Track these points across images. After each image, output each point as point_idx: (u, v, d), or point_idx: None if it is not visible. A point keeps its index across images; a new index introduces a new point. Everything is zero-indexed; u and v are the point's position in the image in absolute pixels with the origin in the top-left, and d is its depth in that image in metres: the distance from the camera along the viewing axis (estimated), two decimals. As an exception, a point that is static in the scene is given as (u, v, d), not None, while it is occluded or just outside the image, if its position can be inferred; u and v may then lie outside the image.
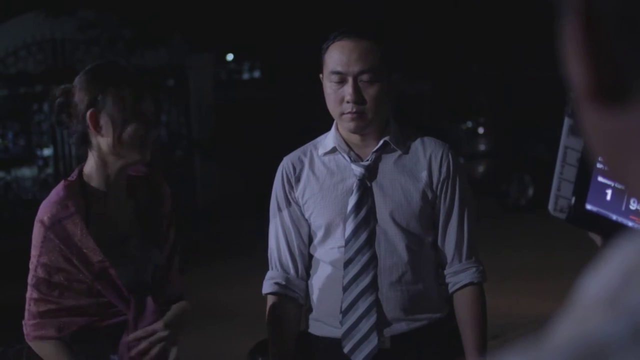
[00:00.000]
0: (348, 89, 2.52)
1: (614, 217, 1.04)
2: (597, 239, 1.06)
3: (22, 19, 12.37)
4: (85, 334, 2.40)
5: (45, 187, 11.84)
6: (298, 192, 2.64)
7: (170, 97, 11.31)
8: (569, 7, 0.49)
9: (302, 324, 2.68)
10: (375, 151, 2.60)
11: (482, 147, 11.62)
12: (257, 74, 19.51)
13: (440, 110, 12.41)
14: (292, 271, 2.66)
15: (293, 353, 2.66)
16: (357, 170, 2.59)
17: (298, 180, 2.64)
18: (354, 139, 2.62)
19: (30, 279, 2.42)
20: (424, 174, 2.60)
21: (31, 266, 2.42)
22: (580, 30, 0.48)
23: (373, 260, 2.56)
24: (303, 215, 2.64)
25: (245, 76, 20.11)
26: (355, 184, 2.58)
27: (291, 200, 2.65)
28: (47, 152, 12.46)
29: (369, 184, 2.59)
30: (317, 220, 2.61)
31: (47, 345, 2.41)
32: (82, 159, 2.50)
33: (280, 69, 13.95)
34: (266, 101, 13.20)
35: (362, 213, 2.56)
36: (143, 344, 2.41)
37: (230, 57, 19.39)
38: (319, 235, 2.61)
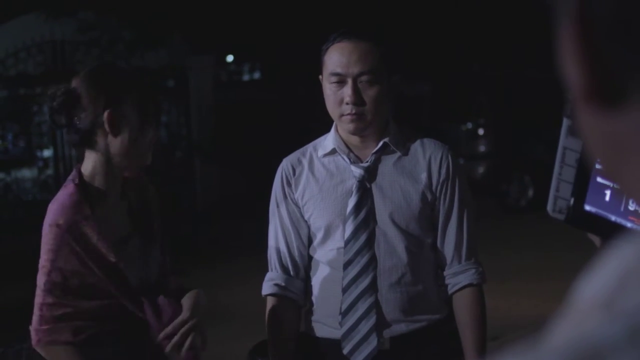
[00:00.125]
0: (347, 91, 2.51)
1: (613, 217, 1.04)
2: (596, 239, 1.06)
3: (22, 20, 12.36)
4: (96, 339, 2.37)
5: (45, 188, 11.82)
6: (297, 194, 2.64)
7: (170, 98, 11.29)
8: (565, 10, 0.49)
9: (302, 325, 2.68)
10: (375, 153, 2.60)
11: (482, 148, 11.61)
12: (257, 75, 19.55)
13: (440, 111, 12.39)
14: (291, 272, 2.66)
15: (293, 354, 2.66)
16: (357, 171, 2.59)
17: (297, 181, 2.64)
18: (354, 140, 2.62)
19: (42, 284, 2.35)
20: (423, 176, 2.60)
21: (43, 270, 2.35)
22: (576, 32, 0.49)
23: (372, 261, 2.56)
24: (302, 216, 2.64)
25: (245, 77, 20.15)
26: (354, 186, 2.58)
27: (290, 202, 2.65)
28: (47, 153, 12.43)
29: (368, 186, 2.59)
30: (317, 221, 2.61)
31: (60, 351, 2.36)
32: (81, 159, 2.48)
33: (280, 70, 13.96)
34: (266, 102, 13.21)
35: (362, 214, 2.56)
36: (176, 337, 2.40)
37: (230, 58, 19.42)
38: (318, 236, 2.61)
